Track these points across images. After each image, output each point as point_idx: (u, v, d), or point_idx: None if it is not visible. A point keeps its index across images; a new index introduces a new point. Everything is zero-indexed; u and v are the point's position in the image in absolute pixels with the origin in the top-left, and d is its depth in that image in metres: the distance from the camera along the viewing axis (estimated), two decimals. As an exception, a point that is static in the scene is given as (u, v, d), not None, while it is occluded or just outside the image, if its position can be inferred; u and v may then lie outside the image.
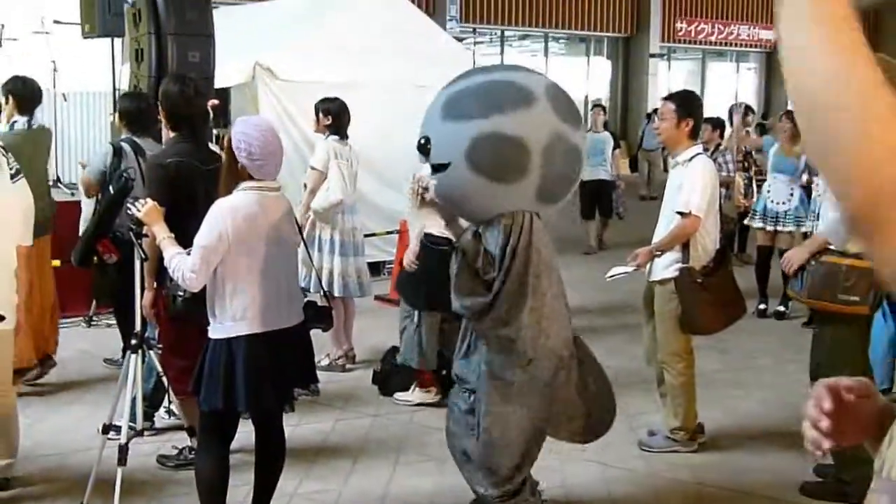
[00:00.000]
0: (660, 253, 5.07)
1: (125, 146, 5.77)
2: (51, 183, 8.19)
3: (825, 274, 4.44)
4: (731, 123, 10.03)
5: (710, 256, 5.14)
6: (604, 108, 13.75)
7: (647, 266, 5.15)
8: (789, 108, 8.28)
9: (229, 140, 3.75)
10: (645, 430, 5.57)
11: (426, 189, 4.13)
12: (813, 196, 4.86)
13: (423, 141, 4.08)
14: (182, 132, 4.81)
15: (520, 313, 3.92)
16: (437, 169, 4.04)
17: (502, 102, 3.94)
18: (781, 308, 8.37)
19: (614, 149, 11.86)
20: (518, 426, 4.00)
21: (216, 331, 3.76)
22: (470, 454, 4.09)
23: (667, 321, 5.13)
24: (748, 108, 12.10)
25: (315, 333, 4.17)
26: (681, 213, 5.00)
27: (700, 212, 4.96)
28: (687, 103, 5.24)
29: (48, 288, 6.28)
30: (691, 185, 4.98)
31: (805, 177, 8.15)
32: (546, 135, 3.91)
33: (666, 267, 5.09)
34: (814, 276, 4.50)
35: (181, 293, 3.99)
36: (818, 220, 4.77)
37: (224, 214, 3.69)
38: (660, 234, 5.16)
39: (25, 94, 6.35)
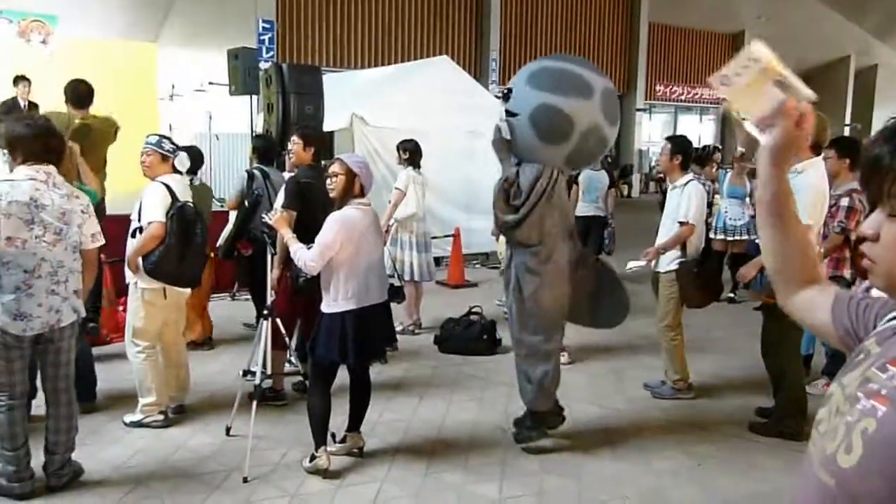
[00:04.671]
0: (663, 251, 5.06)
1: (256, 173, 5.81)
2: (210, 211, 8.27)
3: None
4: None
5: (699, 253, 5.15)
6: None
7: (654, 261, 5.13)
8: (738, 151, 8.24)
9: (349, 168, 3.80)
10: (630, 382, 5.53)
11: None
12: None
13: (506, 90, 4.18)
14: (314, 162, 4.94)
15: (540, 235, 4.06)
16: (510, 114, 4.07)
17: (568, 87, 3.97)
18: (731, 295, 8.29)
19: (609, 187, 9.11)
20: (549, 300, 4.13)
21: (330, 306, 3.79)
22: (513, 335, 4.27)
23: (668, 301, 5.11)
24: (716, 148, 11.87)
25: (392, 306, 4.20)
26: (681, 223, 4.98)
27: (695, 221, 4.98)
28: (678, 144, 5.20)
29: (206, 286, 6.21)
30: (688, 202, 4.97)
31: (749, 199, 8.18)
32: (588, 121, 3.95)
33: (670, 262, 5.07)
34: (768, 283, 4.45)
35: (303, 276, 4.04)
36: None
37: (339, 222, 3.73)
38: (662, 237, 5.13)
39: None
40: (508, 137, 4.07)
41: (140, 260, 4.30)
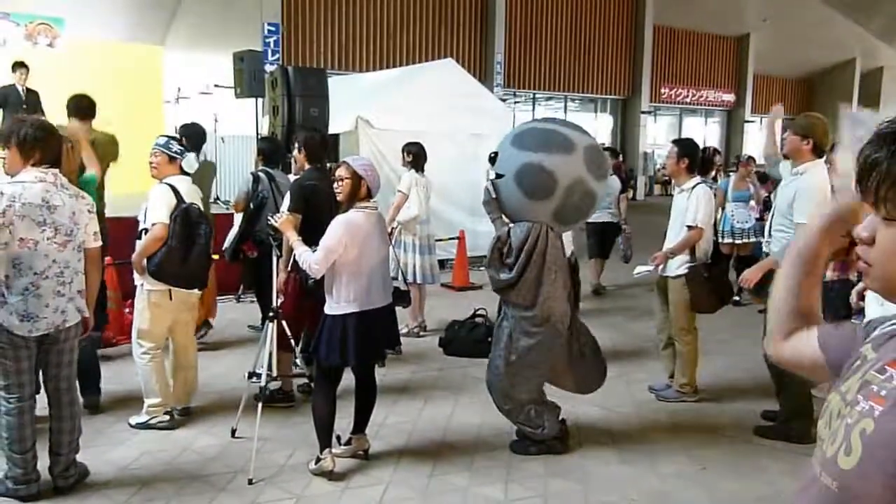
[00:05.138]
0: (672, 255, 5.03)
1: (261, 175, 5.81)
2: (212, 200, 8.31)
3: None
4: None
5: (708, 257, 5.11)
6: (615, 152, 11.05)
7: (661, 265, 5.10)
8: (744, 155, 8.31)
9: (355, 171, 3.81)
10: (636, 385, 5.52)
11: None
12: (767, 221, 4.85)
13: (492, 154, 4.22)
14: (316, 165, 4.95)
15: (536, 297, 4.05)
16: (498, 176, 4.13)
17: (550, 145, 4.02)
18: (737, 298, 8.25)
19: (621, 192, 8.93)
20: (532, 371, 4.15)
21: (333, 308, 3.80)
22: (497, 390, 4.24)
23: (679, 305, 5.07)
24: (716, 150, 11.86)
25: (397, 309, 4.20)
26: (689, 227, 4.96)
27: (703, 225, 4.94)
28: (685, 147, 5.17)
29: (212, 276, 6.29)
30: (696, 206, 4.94)
31: (753, 202, 8.21)
32: (572, 176, 3.98)
33: (679, 266, 5.03)
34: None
35: (312, 278, 4.05)
36: (770, 237, 4.68)
37: (343, 225, 3.74)
38: (670, 241, 5.10)
39: (191, 134, 6.32)
40: (493, 196, 4.13)
41: (145, 261, 4.32)
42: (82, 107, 5.20)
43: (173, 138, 4.60)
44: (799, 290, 1.38)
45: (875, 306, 3.22)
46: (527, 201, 4.04)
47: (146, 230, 4.34)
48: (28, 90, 9.90)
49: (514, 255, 4.05)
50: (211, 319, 6.56)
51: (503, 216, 4.17)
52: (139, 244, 4.36)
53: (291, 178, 5.40)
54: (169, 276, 4.34)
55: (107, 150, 5.19)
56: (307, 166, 4.98)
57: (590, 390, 4.48)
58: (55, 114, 5.53)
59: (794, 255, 1.39)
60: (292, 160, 5.73)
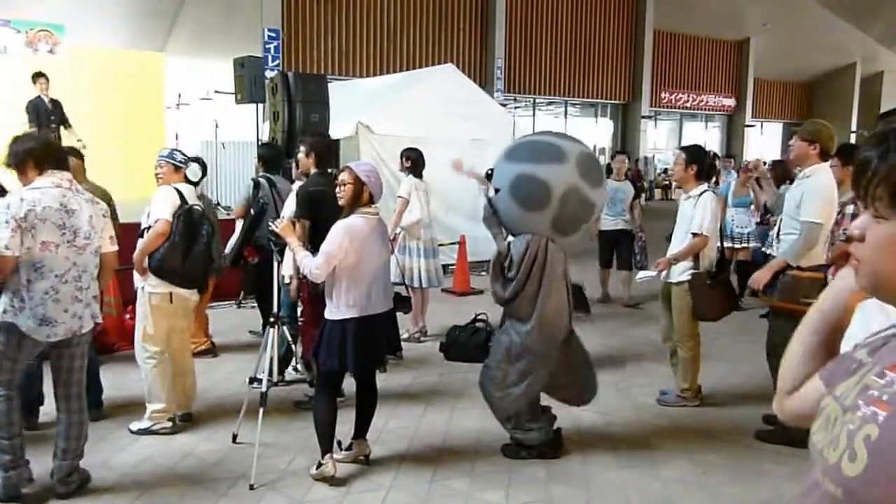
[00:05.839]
0: (676, 262, 5.02)
1: (262, 181, 5.83)
2: (213, 205, 8.30)
3: (791, 284, 4.40)
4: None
5: (714, 265, 5.10)
6: (628, 156, 9.90)
7: (665, 271, 5.09)
8: (743, 160, 8.34)
9: (357, 177, 3.82)
10: (637, 389, 5.52)
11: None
12: (772, 225, 4.86)
13: (489, 171, 4.25)
14: (321, 170, 4.97)
15: (533, 309, 4.08)
16: (496, 191, 4.14)
17: (542, 156, 4.05)
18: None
19: (634, 198, 8.41)
20: (526, 381, 4.14)
21: (333, 314, 3.80)
22: (489, 395, 4.27)
23: (682, 312, 5.06)
24: (715, 155, 11.88)
25: (399, 314, 4.20)
26: (694, 234, 4.95)
27: (709, 232, 4.94)
28: (693, 153, 5.16)
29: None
30: (702, 213, 4.93)
31: (753, 207, 8.22)
32: (565, 185, 3.98)
33: (682, 272, 5.02)
34: (783, 286, 4.45)
35: (322, 283, 4.04)
36: (778, 241, 4.70)
37: (344, 230, 3.75)
38: (675, 248, 5.09)
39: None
40: (493, 212, 4.16)
41: (146, 260, 4.35)
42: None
43: (175, 150, 4.71)
44: (818, 355, 1.36)
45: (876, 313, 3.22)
46: (523, 212, 4.05)
47: (149, 228, 4.38)
48: (52, 101, 9.87)
49: (515, 268, 4.06)
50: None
51: (503, 232, 4.19)
52: (141, 242, 4.40)
53: (296, 186, 5.36)
54: (170, 272, 4.36)
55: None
56: (313, 170, 5.00)
57: (583, 402, 4.48)
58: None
59: (816, 323, 1.37)
60: (293, 165, 5.75)
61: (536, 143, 4.21)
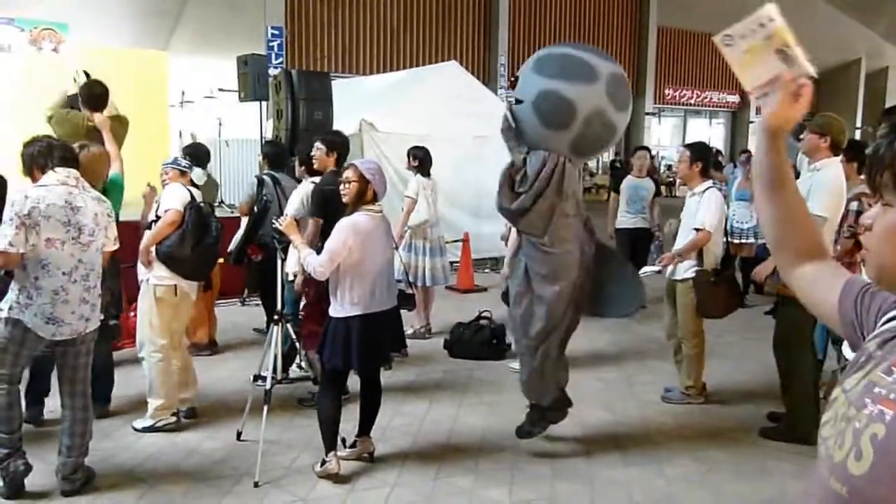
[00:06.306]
0: (680, 258, 5.01)
1: (266, 179, 5.83)
2: (216, 204, 8.33)
3: None
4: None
5: (718, 262, 5.08)
6: (650, 152, 8.95)
7: (670, 268, 5.08)
8: (748, 149, 8.27)
9: (362, 174, 3.81)
10: (641, 387, 5.52)
11: None
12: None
13: (513, 79, 4.12)
14: (338, 168, 4.96)
15: (549, 225, 3.97)
16: (517, 101, 4.00)
17: (571, 73, 3.88)
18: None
19: (655, 195, 7.84)
20: (554, 293, 4.02)
21: (337, 311, 3.81)
22: (516, 323, 4.16)
23: (686, 309, 5.05)
24: (718, 152, 11.83)
25: (403, 311, 4.22)
26: (696, 229, 4.95)
27: (712, 228, 4.92)
28: (697, 151, 5.15)
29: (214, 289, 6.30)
30: (706, 208, 4.93)
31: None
32: (592, 107, 3.83)
33: (686, 269, 5.01)
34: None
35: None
36: None
37: (348, 228, 3.75)
38: (679, 244, 5.08)
39: (196, 153, 6.25)
40: (513, 125, 4.02)
41: (153, 250, 4.38)
42: (95, 95, 5.23)
43: (179, 157, 4.85)
44: (774, 218, 1.40)
45: None
46: (545, 130, 3.91)
47: (157, 220, 4.43)
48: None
49: (528, 184, 3.94)
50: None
51: (521, 144, 4.03)
52: (148, 234, 4.45)
53: (303, 184, 5.33)
54: (178, 261, 4.40)
55: (115, 132, 5.21)
56: (331, 168, 4.98)
57: (617, 314, 4.36)
58: (60, 113, 5.52)
59: (759, 185, 1.41)
60: (296, 163, 5.75)
61: (568, 57, 3.99)
